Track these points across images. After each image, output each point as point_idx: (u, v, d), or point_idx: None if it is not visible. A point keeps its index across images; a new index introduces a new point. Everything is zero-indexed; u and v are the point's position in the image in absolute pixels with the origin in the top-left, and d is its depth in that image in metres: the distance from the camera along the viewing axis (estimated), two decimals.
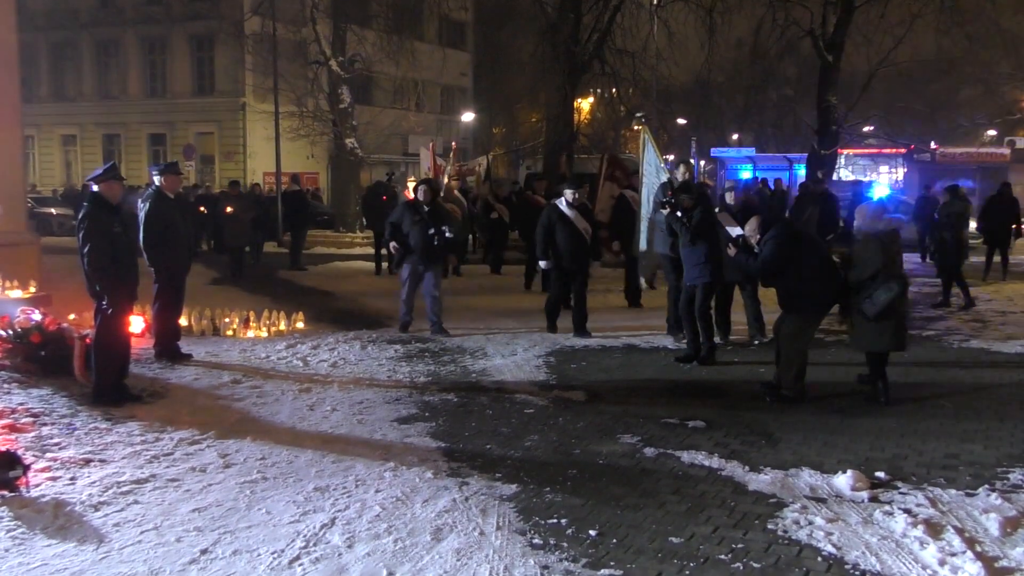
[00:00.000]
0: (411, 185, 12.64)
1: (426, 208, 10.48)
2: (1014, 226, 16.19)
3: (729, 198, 9.54)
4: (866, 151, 46.59)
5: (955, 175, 37.37)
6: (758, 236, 7.75)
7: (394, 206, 17.81)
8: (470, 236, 18.84)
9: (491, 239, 17.97)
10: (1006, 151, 45.30)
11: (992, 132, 46.16)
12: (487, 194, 18.15)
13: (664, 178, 10.28)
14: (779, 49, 23.89)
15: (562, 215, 10.21)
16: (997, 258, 16.18)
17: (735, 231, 8.46)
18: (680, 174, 10.00)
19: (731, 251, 8.15)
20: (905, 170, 47.48)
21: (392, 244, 10.68)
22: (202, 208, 19.60)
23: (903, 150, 45.73)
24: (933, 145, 46.11)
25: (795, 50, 26.12)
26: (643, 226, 10.65)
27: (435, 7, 27.06)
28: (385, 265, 17.55)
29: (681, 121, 43.19)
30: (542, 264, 10.90)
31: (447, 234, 10.58)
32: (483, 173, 20.02)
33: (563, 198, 10.36)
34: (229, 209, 16.15)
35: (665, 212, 9.19)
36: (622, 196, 12.30)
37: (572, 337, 10.22)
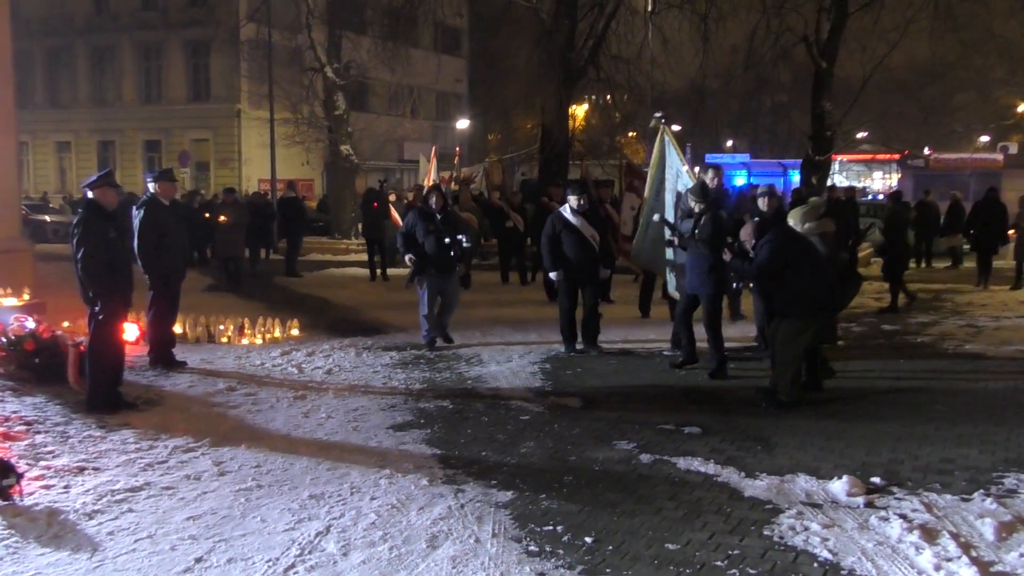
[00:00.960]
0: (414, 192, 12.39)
1: (439, 216, 10.15)
2: (1009, 232, 16.28)
3: (762, 203, 9.13)
4: (860, 157, 46.78)
5: (949, 181, 37.56)
6: (753, 240, 7.74)
7: (385, 213, 17.83)
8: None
9: (506, 248, 17.47)
10: (999, 157, 45.50)
11: (985, 138, 46.38)
12: (502, 203, 17.85)
13: (689, 184, 9.50)
14: (773, 55, 23.90)
15: (568, 223, 9.73)
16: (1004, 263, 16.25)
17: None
18: (709, 179, 9.52)
19: (727, 255, 8.12)
20: (899, 176, 47.67)
21: (408, 257, 10.13)
22: (207, 215, 19.50)
23: (897, 156, 45.93)
24: (927, 151, 46.31)
25: (789, 56, 26.13)
26: (664, 234, 9.82)
27: (430, 14, 27.01)
28: (379, 272, 17.51)
29: (676, 127, 43.32)
30: (552, 276, 10.30)
31: (464, 243, 10.29)
32: (479, 182, 19.93)
33: (567, 205, 9.91)
34: (222, 218, 15.84)
35: (674, 237, 8.95)
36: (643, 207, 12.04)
37: (585, 350, 9.82)
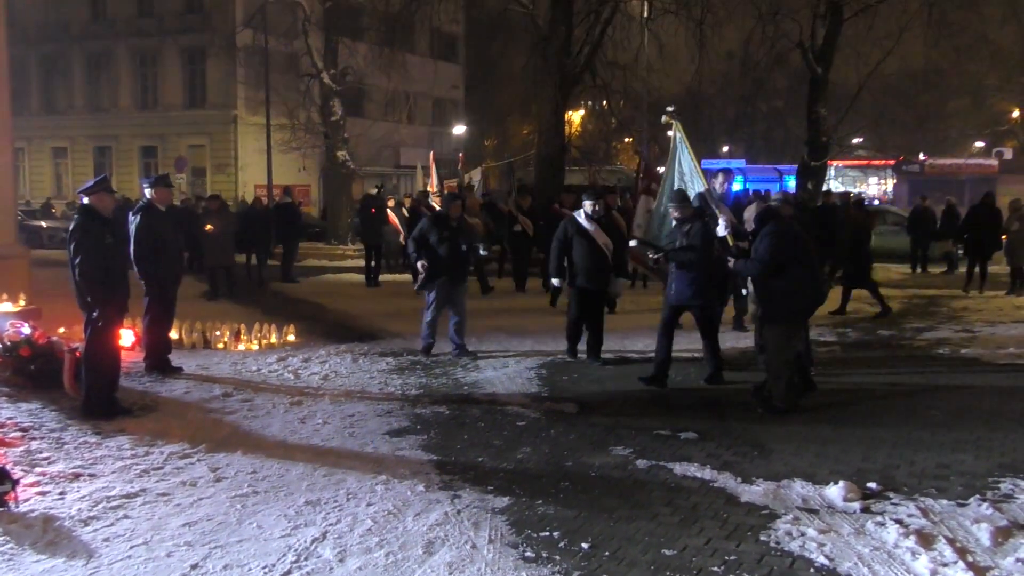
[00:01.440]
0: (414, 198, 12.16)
1: (454, 224, 9.90)
2: (997, 236, 16.26)
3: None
4: (856, 163, 46.93)
5: (944, 186, 37.67)
6: (753, 226, 7.61)
7: (382, 219, 17.80)
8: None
9: (515, 253, 17.14)
10: (994, 162, 45.69)
11: (980, 143, 46.55)
12: (512, 207, 17.69)
13: (700, 188, 9.23)
14: (769, 61, 24.02)
15: (580, 229, 9.40)
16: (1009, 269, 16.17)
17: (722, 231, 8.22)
18: (719, 184, 9.24)
19: (731, 263, 7.92)
20: (894, 181, 47.82)
21: (421, 263, 9.79)
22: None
23: (892, 161, 46.09)
24: (922, 156, 46.48)
25: (785, 62, 26.26)
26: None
27: (427, 20, 27.07)
28: (374, 277, 17.45)
29: (671, 133, 43.47)
30: (554, 282, 9.99)
31: (481, 251, 10.09)
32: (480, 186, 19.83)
33: (582, 210, 9.59)
34: (208, 227, 15.02)
35: (657, 256, 8.64)
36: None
37: (585, 360, 9.64)
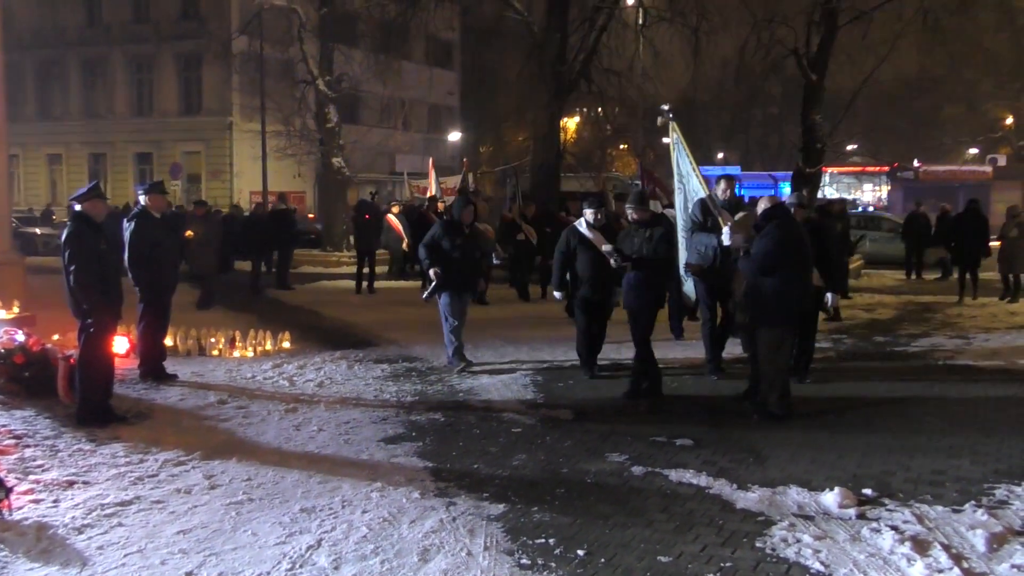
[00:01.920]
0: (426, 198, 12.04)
1: (466, 230, 9.68)
2: (985, 243, 16.28)
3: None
4: (850, 169, 47.11)
5: (939, 192, 37.77)
6: (760, 220, 7.56)
7: (378, 225, 17.77)
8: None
9: (517, 262, 16.74)
10: (988, 169, 45.86)
11: (974, 150, 46.72)
12: (516, 216, 17.37)
13: (698, 189, 8.99)
14: (764, 68, 24.09)
15: (583, 238, 9.06)
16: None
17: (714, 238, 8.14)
18: (720, 191, 9.11)
19: (741, 264, 7.77)
20: (889, 188, 47.97)
21: (434, 270, 9.46)
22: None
23: (887, 168, 46.27)
24: (916, 163, 46.63)
25: (780, 69, 26.31)
26: (682, 247, 9.26)
27: (422, 27, 27.08)
28: (366, 284, 17.39)
29: (666, 140, 43.52)
30: (556, 295, 9.81)
31: (495, 260, 9.96)
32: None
33: (583, 219, 9.26)
34: (189, 233, 14.39)
35: (616, 258, 8.40)
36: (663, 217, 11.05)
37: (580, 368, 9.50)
